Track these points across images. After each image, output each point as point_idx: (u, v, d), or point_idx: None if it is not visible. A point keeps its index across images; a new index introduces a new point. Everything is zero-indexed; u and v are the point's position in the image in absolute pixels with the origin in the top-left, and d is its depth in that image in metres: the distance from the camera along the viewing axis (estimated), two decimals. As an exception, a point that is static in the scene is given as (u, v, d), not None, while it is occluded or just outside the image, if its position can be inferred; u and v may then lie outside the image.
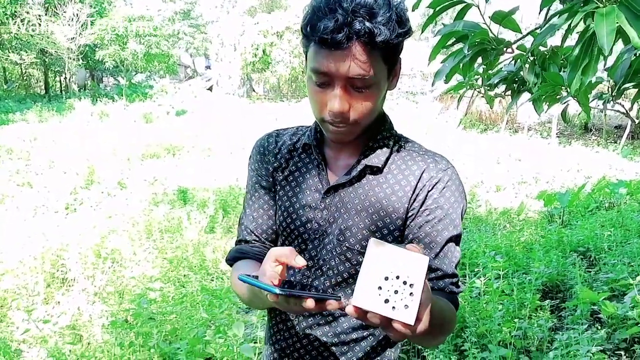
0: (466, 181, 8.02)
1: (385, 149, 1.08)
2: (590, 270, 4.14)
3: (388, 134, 1.10)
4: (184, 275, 4.62)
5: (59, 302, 3.91)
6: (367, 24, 0.89)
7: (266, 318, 1.22)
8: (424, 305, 0.70)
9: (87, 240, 4.77)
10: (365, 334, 1.10)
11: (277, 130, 1.22)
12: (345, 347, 1.10)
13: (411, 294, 0.67)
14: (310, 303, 0.77)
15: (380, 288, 0.68)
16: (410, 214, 1.05)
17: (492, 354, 2.68)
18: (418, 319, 0.69)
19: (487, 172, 10.00)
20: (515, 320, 3.04)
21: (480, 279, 3.41)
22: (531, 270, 3.78)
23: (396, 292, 0.67)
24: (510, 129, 18.34)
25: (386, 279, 0.68)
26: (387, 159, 1.08)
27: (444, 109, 19.63)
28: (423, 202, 1.04)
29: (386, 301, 0.67)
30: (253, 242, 1.18)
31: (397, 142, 1.11)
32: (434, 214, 1.03)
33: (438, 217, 1.03)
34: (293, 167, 1.14)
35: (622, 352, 2.79)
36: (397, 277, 0.68)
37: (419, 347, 3.00)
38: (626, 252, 4.18)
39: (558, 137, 16.62)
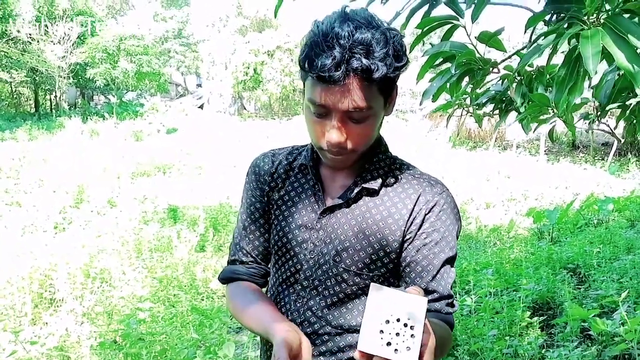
0: (456, 198, 7.96)
1: (381, 172, 1.09)
2: (579, 287, 4.16)
3: (384, 156, 1.12)
4: (174, 295, 4.57)
5: (46, 323, 3.84)
6: (364, 60, 0.90)
7: (258, 338, 1.21)
8: (425, 346, 0.72)
9: (76, 260, 4.71)
10: None
11: (273, 150, 1.23)
12: None
13: (412, 335, 0.69)
14: None
15: (382, 332, 0.69)
16: (407, 236, 1.05)
17: (483, 372, 2.68)
18: (420, 359, 0.70)
19: (476, 189, 10.05)
20: (506, 337, 3.03)
21: (471, 297, 3.41)
22: (521, 287, 3.79)
23: (398, 334, 0.69)
24: (499, 146, 18.49)
25: (387, 322, 0.70)
26: (383, 181, 1.09)
27: (434, 126, 19.77)
28: (420, 226, 1.05)
29: (388, 344, 0.69)
30: (249, 263, 1.18)
31: (393, 164, 1.12)
32: (431, 237, 1.05)
33: (435, 240, 1.05)
34: (289, 187, 1.15)
35: (613, 369, 2.80)
36: (398, 320, 0.69)
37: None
38: (615, 268, 4.20)
39: (546, 154, 16.78)
